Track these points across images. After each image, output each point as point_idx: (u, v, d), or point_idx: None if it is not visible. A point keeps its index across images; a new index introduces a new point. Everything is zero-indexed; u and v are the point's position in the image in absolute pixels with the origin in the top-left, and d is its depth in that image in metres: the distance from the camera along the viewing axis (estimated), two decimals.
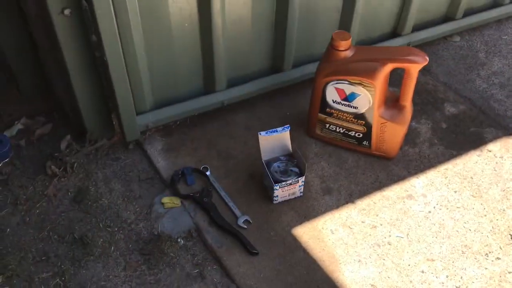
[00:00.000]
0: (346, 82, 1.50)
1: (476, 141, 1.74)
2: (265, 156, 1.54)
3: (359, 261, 1.40)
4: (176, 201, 1.54)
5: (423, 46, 2.10)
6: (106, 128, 1.68)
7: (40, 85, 1.84)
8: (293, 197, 1.54)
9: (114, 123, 1.70)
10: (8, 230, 1.46)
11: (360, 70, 1.47)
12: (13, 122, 1.76)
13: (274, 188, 1.47)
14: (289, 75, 1.81)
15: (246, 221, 1.48)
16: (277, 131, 1.50)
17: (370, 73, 1.46)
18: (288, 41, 1.70)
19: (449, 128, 1.79)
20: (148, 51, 1.50)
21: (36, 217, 1.50)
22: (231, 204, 1.52)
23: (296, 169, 1.53)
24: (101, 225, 1.48)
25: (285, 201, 1.54)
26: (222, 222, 1.46)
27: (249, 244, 1.42)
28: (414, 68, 1.43)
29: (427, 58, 1.42)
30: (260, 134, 1.50)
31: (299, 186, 1.51)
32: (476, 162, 1.67)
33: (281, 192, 1.50)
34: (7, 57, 1.74)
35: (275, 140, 1.53)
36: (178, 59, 1.58)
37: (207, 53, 1.60)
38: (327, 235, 1.46)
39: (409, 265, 1.39)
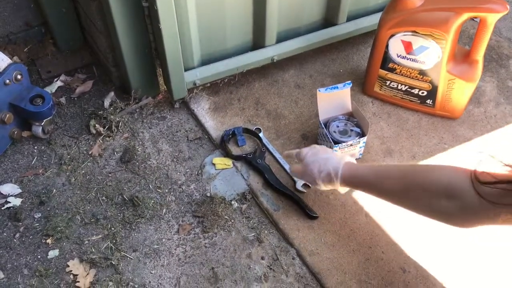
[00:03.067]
0: (415, 33, 1.37)
1: None
2: (322, 115, 1.43)
3: (424, 226, 1.31)
4: (228, 163, 1.45)
5: None
6: (150, 85, 1.59)
7: (78, 40, 1.75)
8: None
9: (159, 80, 1.60)
10: (54, 190, 1.39)
11: (432, 20, 1.34)
12: (52, 79, 1.67)
13: (334, 149, 1.37)
14: (343, 29, 1.68)
15: (304, 185, 1.39)
16: (337, 87, 1.40)
17: (442, 24, 1.33)
18: None
19: None
20: (198, 1, 1.39)
21: (82, 177, 1.43)
22: (286, 166, 1.43)
23: (357, 129, 1.43)
24: (150, 186, 1.41)
25: None
26: (278, 184, 1.38)
27: (308, 207, 1.33)
28: (492, 17, 1.30)
29: (508, 7, 1.29)
30: (319, 90, 1.39)
31: (360, 147, 1.41)
32: None
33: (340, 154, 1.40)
34: (44, 9, 1.64)
35: (334, 98, 1.42)
36: (228, 10, 1.47)
37: (259, 2, 1.48)
38: None
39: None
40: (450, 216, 0.97)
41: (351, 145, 1.38)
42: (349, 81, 1.40)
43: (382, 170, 1.14)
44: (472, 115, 1.57)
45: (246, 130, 1.51)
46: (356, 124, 1.44)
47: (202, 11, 1.42)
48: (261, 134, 1.51)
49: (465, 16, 1.31)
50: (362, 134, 1.41)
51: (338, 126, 1.44)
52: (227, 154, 1.46)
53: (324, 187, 1.22)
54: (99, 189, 1.40)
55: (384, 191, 1.11)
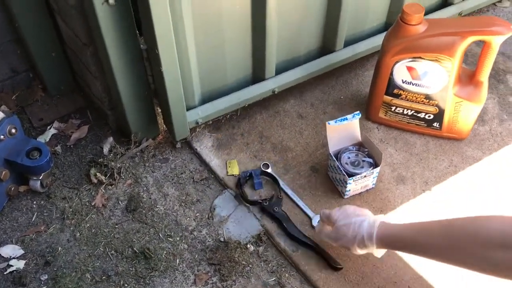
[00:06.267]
0: (421, 59, 1.36)
1: None
2: (332, 147, 1.40)
3: None
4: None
5: (474, 15, 1.96)
6: (150, 127, 1.53)
7: (69, 83, 1.68)
8: (365, 189, 1.41)
9: (158, 121, 1.54)
10: (60, 248, 1.32)
11: (437, 45, 1.32)
12: (44, 126, 1.60)
13: (348, 182, 1.34)
14: (340, 56, 1.65)
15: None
16: (347, 119, 1.36)
17: (448, 48, 1.32)
18: (342, 18, 1.55)
19: None
20: (198, 39, 1.35)
21: (87, 231, 1.36)
22: (301, 203, 1.38)
23: (368, 159, 1.40)
24: (161, 235, 1.34)
25: (356, 194, 1.41)
26: (297, 233, 1.31)
27: (332, 258, 1.27)
28: (497, 40, 1.29)
29: None
30: (328, 123, 1.35)
31: (373, 177, 1.38)
32: None
33: (354, 186, 1.37)
34: (31, 54, 1.57)
35: (343, 129, 1.39)
36: (228, 47, 1.43)
37: (258, 36, 1.44)
38: None
39: None
40: (510, 270, 0.90)
41: (364, 176, 1.35)
42: (358, 112, 1.37)
43: (422, 226, 1.08)
44: (478, 134, 1.56)
45: (264, 173, 1.45)
46: (367, 154, 1.41)
47: (202, 50, 1.38)
48: (269, 170, 1.46)
49: (470, 39, 1.30)
50: (374, 164, 1.39)
51: (349, 158, 1.41)
52: (242, 198, 1.40)
53: (359, 252, 1.16)
54: (107, 243, 1.33)
55: (428, 249, 1.04)
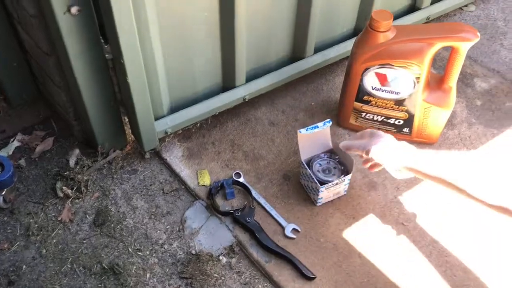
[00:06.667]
0: (390, 66, 1.36)
1: None
2: (304, 155, 1.39)
3: (419, 261, 1.28)
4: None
5: (441, 19, 1.98)
6: (117, 137, 1.49)
7: (32, 92, 1.62)
8: (337, 196, 1.40)
9: (126, 131, 1.50)
10: (24, 267, 1.27)
11: (406, 52, 1.33)
12: (7, 139, 1.54)
13: (320, 190, 1.33)
14: (311, 62, 1.65)
15: (294, 230, 1.33)
16: (318, 126, 1.35)
17: (417, 54, 1.32)
18: (311, 25, 1.54)
19: (484, 105, 1.68)
20: (165, 48, 1.32)
21: (53, 247, 1.31)
22: (273, 212, 1.37)
23: (340, 167, 1.39)
24: (130, 250, 1.31)
25: (328, 201, 1.40)
26: (270, 243, 1.30)
27: (305, 268, 1.26)
28: (465, 46, 1.30)
29: (479, 35, 1.30)
30: (300, 132, 1.34)
31: (345, 184, 1.37)
32: None
33: (326, 193, 1.36)
34: None
35: (315, 137, 1.38)
36: (196, 55, 1.40)
37: (227, 44, 1.42)
38: (381, 235, 1.33)
39: (474, 261, 1.29)
40: None
41: (336, 184, 1.34)
42: (329, 119, 1.37)
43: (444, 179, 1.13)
44: (448, 138, 1.58)
45: (236, 182, 1.44)
46: (338, 161, 1.40)
47: (170, 59, 1.35)
48: (241, 179, 1.44)
49: (439, 46, 1.31)
50: (346, 171, 1.38)
51: (320, 165, 1.40)
52: (214, 208, 1.38)
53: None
54: (75, 259, 1.28)
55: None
